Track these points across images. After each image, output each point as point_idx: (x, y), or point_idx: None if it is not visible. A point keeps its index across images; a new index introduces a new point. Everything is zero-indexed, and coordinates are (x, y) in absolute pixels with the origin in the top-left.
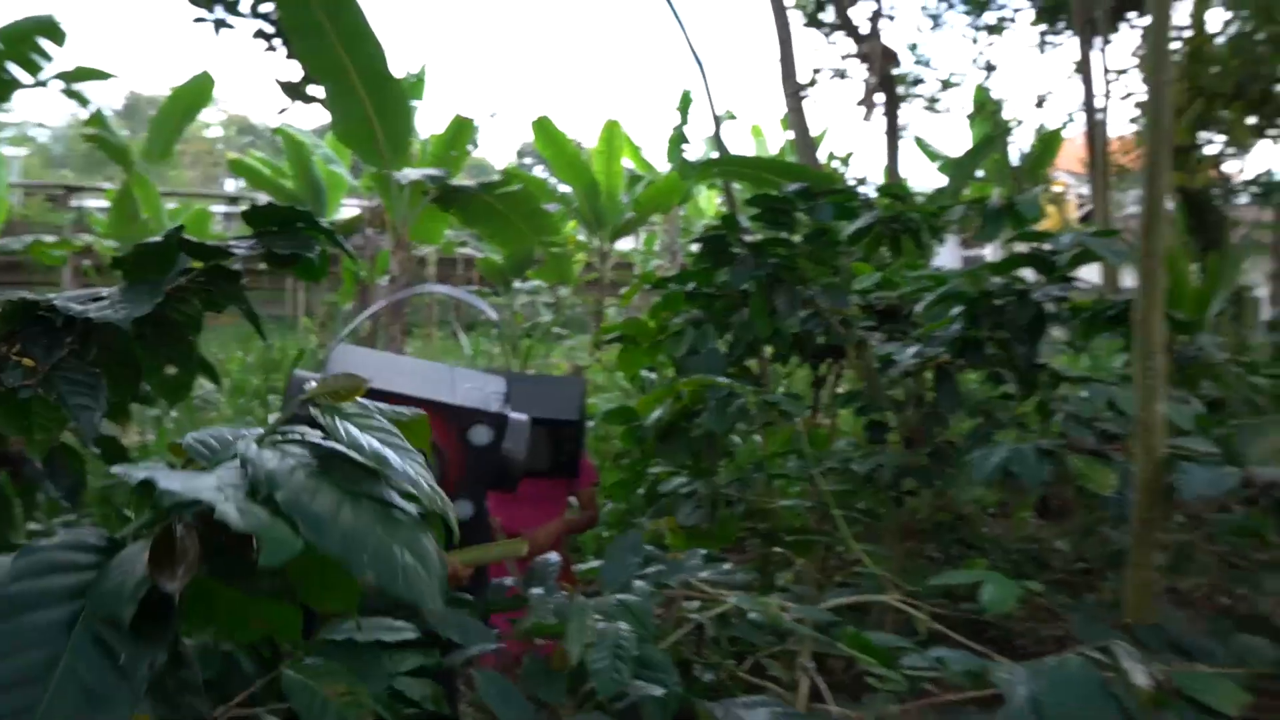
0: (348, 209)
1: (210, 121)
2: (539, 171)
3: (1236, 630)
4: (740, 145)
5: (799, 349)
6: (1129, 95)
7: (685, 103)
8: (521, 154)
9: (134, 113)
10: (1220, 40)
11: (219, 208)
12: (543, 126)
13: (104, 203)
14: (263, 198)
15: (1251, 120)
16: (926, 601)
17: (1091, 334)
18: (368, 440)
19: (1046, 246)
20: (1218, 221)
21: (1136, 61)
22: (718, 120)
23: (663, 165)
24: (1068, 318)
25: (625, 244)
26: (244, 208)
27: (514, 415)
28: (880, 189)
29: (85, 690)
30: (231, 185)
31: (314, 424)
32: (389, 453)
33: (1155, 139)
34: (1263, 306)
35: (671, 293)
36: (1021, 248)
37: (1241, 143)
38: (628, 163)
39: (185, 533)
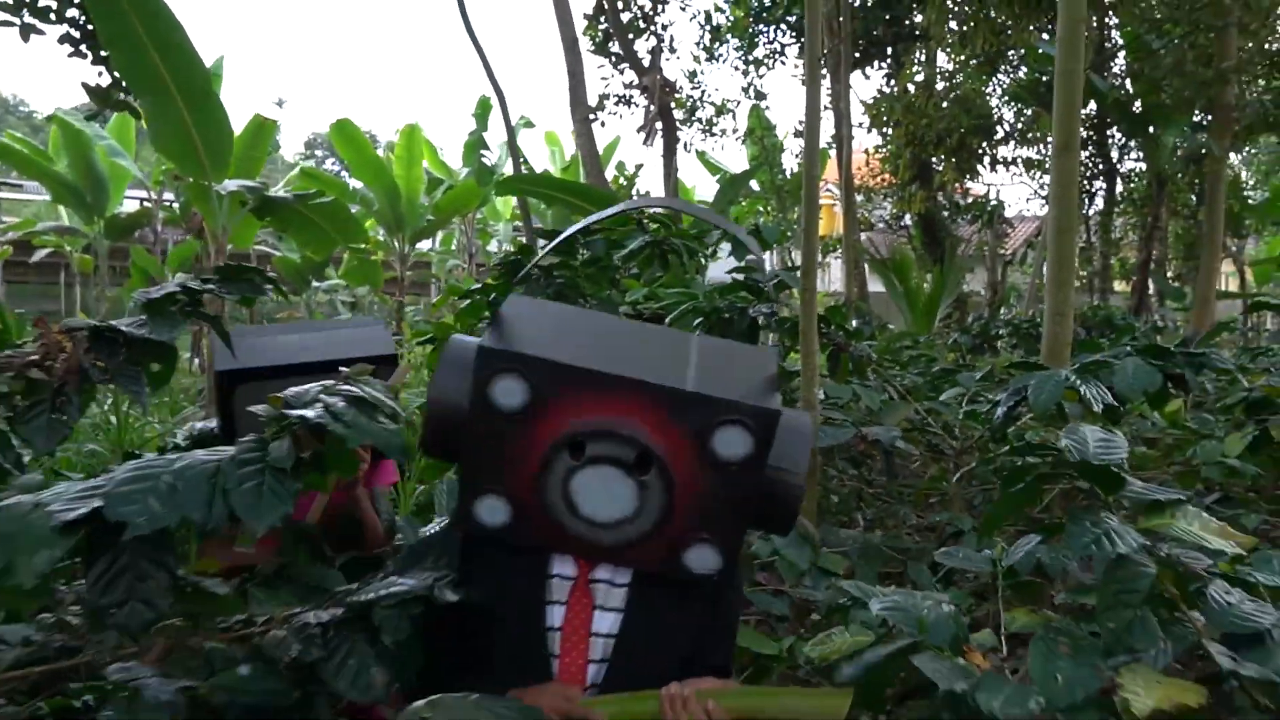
0: (130, 201)
1: None
2: (329, 164)
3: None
4: (537, 153)
5: None
6: (874, 128)
7: (483, 108)
8: (310, 145)
9: None
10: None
11: None
12: (342, 129)
13: None
14: (30, 184)
15: (955, 162)
16: None
17: (795, 339)
18: (372, 394)
19: (756, 276)
20: (945, 239)
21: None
22: (513, 141)
23: (461, 168)
24: (776, 328)
25: (423, 244)
26: (10, 195)
27: (789, 412)
28: (652, 216)
29: (274, 492)
30: None
31: (349, 384)
32: (383, 399)
33: (809, 212)
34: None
35: (475, 301)
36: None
37: (953, 180)
38: (426, 165)
39: (303, 433)
